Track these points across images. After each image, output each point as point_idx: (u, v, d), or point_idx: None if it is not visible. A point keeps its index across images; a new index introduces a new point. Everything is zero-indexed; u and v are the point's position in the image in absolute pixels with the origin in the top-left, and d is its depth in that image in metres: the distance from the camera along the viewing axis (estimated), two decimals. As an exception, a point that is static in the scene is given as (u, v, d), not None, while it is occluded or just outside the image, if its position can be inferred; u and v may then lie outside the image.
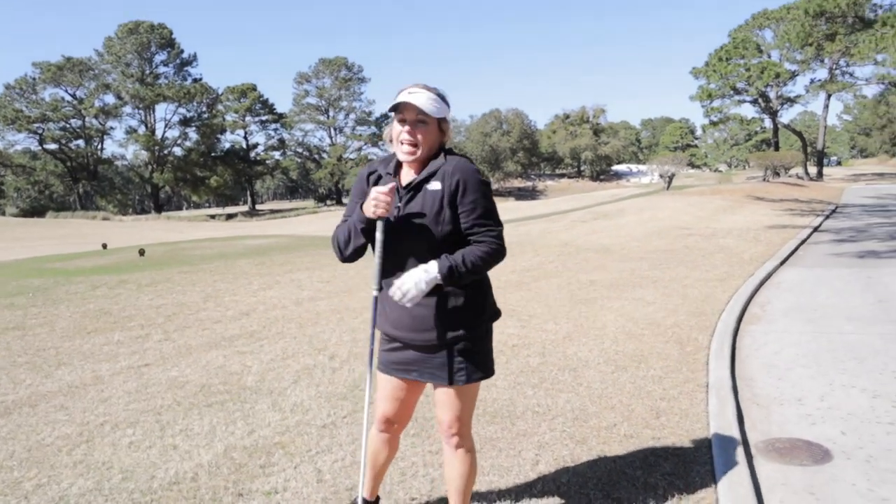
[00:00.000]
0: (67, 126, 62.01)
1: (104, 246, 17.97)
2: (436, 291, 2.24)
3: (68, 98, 61.71)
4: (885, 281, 8.43)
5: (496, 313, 2.43)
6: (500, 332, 5.76)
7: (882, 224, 16.06)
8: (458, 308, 2.27)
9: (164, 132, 66.04)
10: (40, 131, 60.18)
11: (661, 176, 40.57)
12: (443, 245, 2.22)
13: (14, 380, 4.96)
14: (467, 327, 2.29)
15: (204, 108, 66.48)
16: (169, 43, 65.38)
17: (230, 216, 57.19)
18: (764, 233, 14.32)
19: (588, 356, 5.21)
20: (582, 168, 73.78)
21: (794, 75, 45.51)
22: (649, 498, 2.92)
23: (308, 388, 4.55)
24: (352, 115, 72.11)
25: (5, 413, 4.23)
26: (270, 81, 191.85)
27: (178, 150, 67.04)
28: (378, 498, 2.74)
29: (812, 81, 46.78)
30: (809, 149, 51.32)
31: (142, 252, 13.75)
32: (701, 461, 3.28)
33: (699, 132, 79.11)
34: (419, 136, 2.23)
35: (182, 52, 66.60)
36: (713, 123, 51.52)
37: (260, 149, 72.14)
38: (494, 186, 58.65)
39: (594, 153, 70.12)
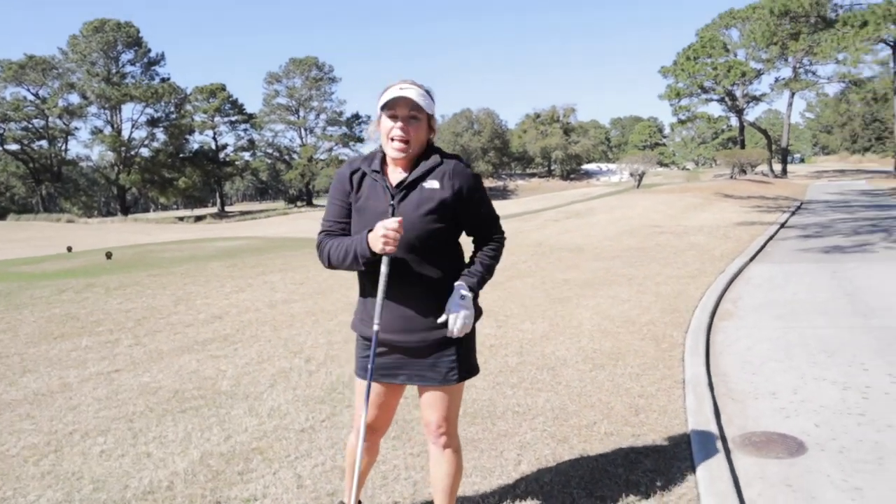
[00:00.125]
0: (30, 126, 60.47)
1: (69, 249, 17.56)
2: (424, 292, 2.22)
3: (31, 97, 60.20)
4: (849, 275, 8.63)
5: (479, 311, 2.42)
6: (478, 332, 5.72)
7: (846, 220, 16.46)
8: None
9: (131, 133, 64.89)
10: (1, 131, 58.52)
11: (631, 175, 41.09)
12: (435, 243, 2.21)
13: (-23, 389, 4.78)
14: None
15: (172, 109, 65.35)
16: (136, 42, 64.15)
17: (199, 218, 56.29)
18: (733, 230, 14.58)
19: (566, 355, 5.23)
20: (552, 167, 74.35)
21: (759, 74, 46.48)
22: (632, 495, 2.93)
23: (285, 392, 4.48)
24: (322, 116, 71.70)
25: (-32, 424, 4.08)
26: (240, 81, 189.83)
27: (145, 151, 65.91)
28: (360, 503, 2.70)
29: (777, 80, 47.91)
30: (774, 146, 52.49)
31: (109, 255, 13.45)
32: (681, 457, 3.31)
33: (667, 131, 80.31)
34: (411, 133, 2.19)
35: (149, 51, 65.51)
36: (681, 122, 52.31)
37: (229, 150, 71.18)
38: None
39: (564, 152, 70.74)
